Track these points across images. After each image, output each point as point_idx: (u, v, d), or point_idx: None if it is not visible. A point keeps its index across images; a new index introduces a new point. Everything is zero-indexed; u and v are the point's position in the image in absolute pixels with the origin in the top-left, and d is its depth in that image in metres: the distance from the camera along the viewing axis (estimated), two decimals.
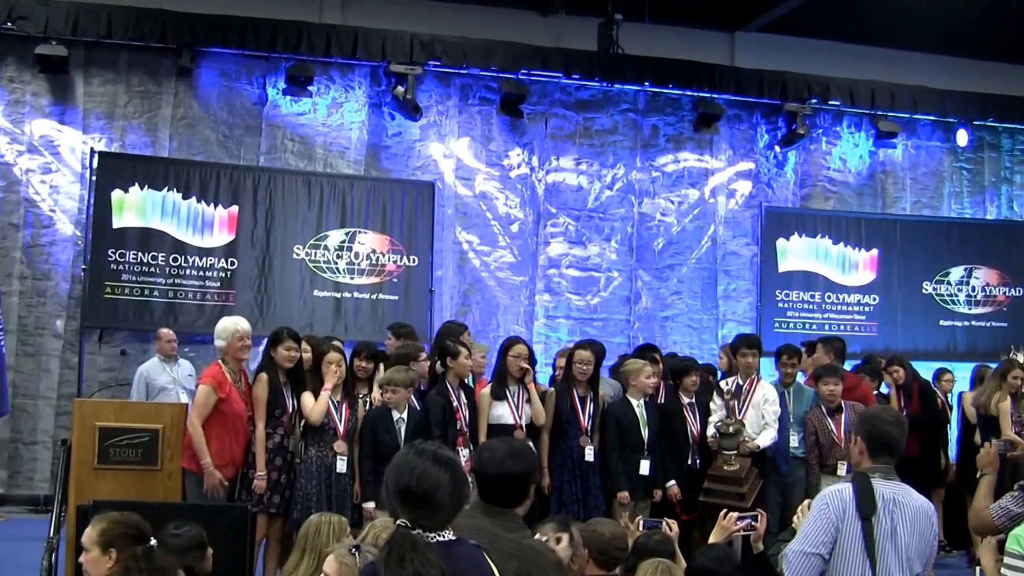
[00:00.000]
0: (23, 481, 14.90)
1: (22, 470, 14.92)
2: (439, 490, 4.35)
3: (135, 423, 9.98)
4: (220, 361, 10.19)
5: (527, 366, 11.08)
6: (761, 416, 11.63)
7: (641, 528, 7.55)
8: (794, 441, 11.90)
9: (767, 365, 14.73)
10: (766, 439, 11.54)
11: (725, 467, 11.29)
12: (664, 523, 7.60)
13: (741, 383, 11.71)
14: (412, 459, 4.42)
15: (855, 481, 5.85)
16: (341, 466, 10.27)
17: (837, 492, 5.81)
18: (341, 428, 10.30)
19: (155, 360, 13.48)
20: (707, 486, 11.26)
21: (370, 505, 10.01)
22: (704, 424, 11.76)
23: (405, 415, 10.37)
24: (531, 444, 10.86)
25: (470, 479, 10.71)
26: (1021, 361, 12.68)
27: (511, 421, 10.83)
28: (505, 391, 10.90)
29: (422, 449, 4.49)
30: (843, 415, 11.71)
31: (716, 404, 11.84)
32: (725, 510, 7.61)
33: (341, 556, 5.50)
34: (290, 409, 10.36)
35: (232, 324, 10.27)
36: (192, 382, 12.78)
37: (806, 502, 8.00)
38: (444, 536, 4.38)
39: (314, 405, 10.25)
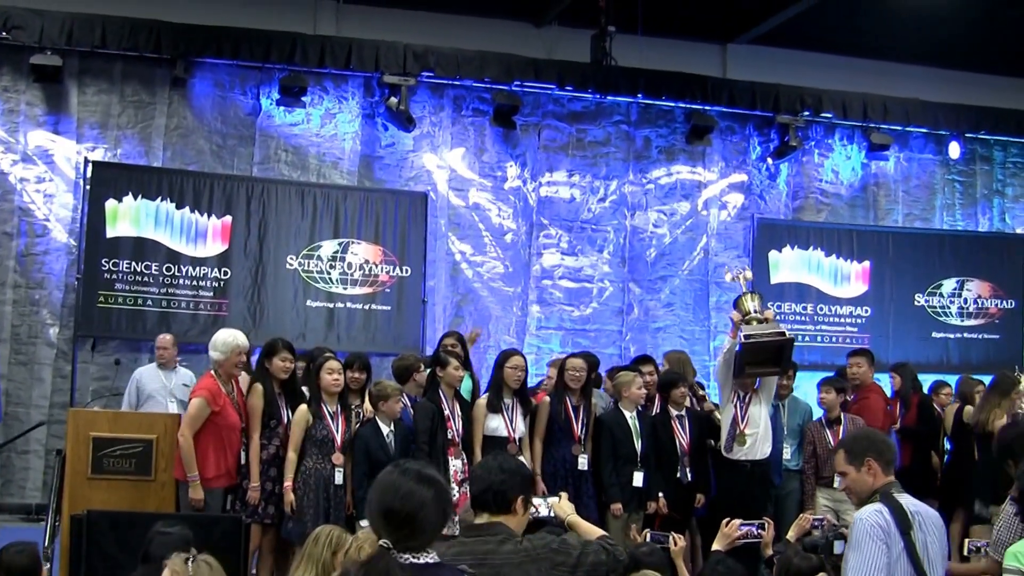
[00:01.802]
0: (15, 490, 14.87)
1: (14, 479, 14.89)
2: (422, 510, 4.33)
3: (129, 433, 10.03)
4: (213, 373, 10.20)
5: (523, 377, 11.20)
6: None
7: (648, 540, 7.59)
8: (787, 453, 11.93)
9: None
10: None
11: (755, 324, 11.20)
12: (671, 537, 7.63)
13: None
14: (396, 479, 4.40)
15: (885, 500, 5.89)
16: (338, 478, 10.30)
17: (876, 512, 5.84)
18: (338, 440, 10.33)
19: (152, 366, 13.45)
20: (746, 334, 11.13)
21: (365, 522, 10.04)
22: (694, 436, 11.78)
23: (393, 427, 10.42)
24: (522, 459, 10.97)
25: (458, 489, 10.81)
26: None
27: (505, 434, 10.89)
28: (500, 403, 10.95)
29: (406, 468, 4.48)
30: (842, 427, 11.74)
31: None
32: (727, 518, 7.63)
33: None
34: (284, 420, 10.39)
35: (232, 339, 10.25)
36: (186, 392, 12.76)
37: (803, 514, 8.04)
38: (423, 558, 4.35)
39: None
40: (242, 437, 10.22)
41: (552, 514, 6.12)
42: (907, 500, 5.90)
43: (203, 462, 9.84)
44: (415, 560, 4.32)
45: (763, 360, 11.22)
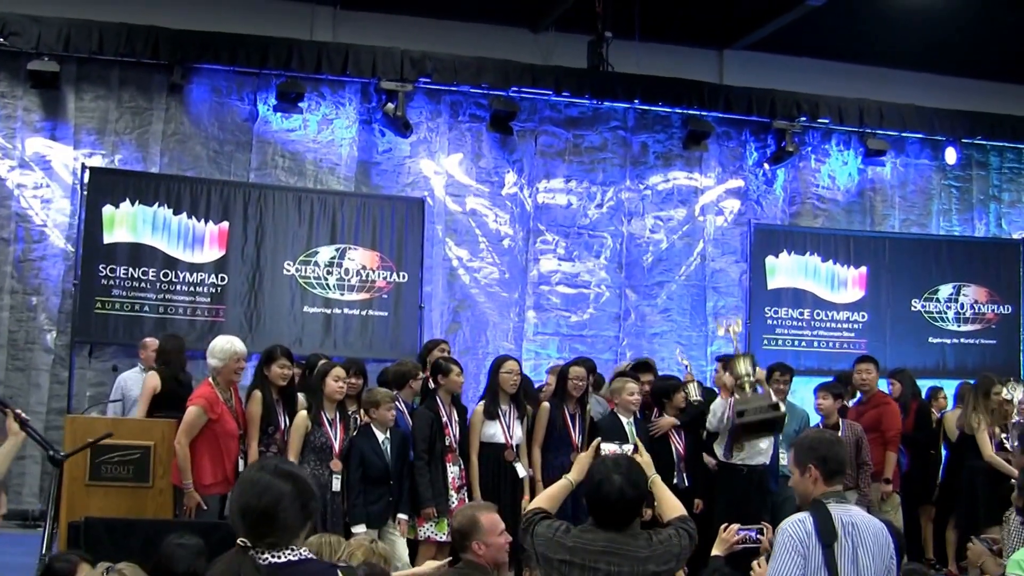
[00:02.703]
0: (12, 496, 14.79)
1: (11, 484, 14.81)
2: (280, 503, 4.18)
3: (127, 440, 10.01)
4: (211, 380, 10.21)
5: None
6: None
7: None
8: (783, 459, 11.92)
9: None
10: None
11: (748, 389, 11.26)
12: None
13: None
14: (254, 474, 4.29)
15: (812, 510, 5.86)
16: (336, 484, 10.31)
17: (798, 522, 5.81)
18: (337, 446, 10.34)
19: (135, 371, 13.28)
20: (739, 409, 11.18)
21: (360, 528, 10.04)
22: (690, 442, 11.81)
23: (388, 435, 10.43)
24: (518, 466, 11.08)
25: (456, 495, 10.83)
26: (1007, 390, 12.58)
27: (502, 440, 10.93)
28: (497, 410, 10.97)
29: (264, 464, 4.39)
30: (840, 433, 11.71)
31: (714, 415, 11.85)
32: (725, 524, 7.65)
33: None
34: (282, 426, 10.40)
35: (230, 346, 10.26)
36: None
37: None
38: (285, 556, 4.21)
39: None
40: (240, 444, 10.23)
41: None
42: (842, 511, 5.85)
43: (199, 469, 9.86)
44: (274, 559, 4.18)
45: (757, 429, 11.29)
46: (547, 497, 6.37)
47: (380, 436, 10.40)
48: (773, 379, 12.37)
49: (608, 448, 6.52)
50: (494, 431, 10.99)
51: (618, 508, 5.67)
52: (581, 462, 6.49)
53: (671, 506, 6.19)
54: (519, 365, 11.41)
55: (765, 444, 11.57)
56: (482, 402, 11.21)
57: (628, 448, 6.45)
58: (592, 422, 11.46)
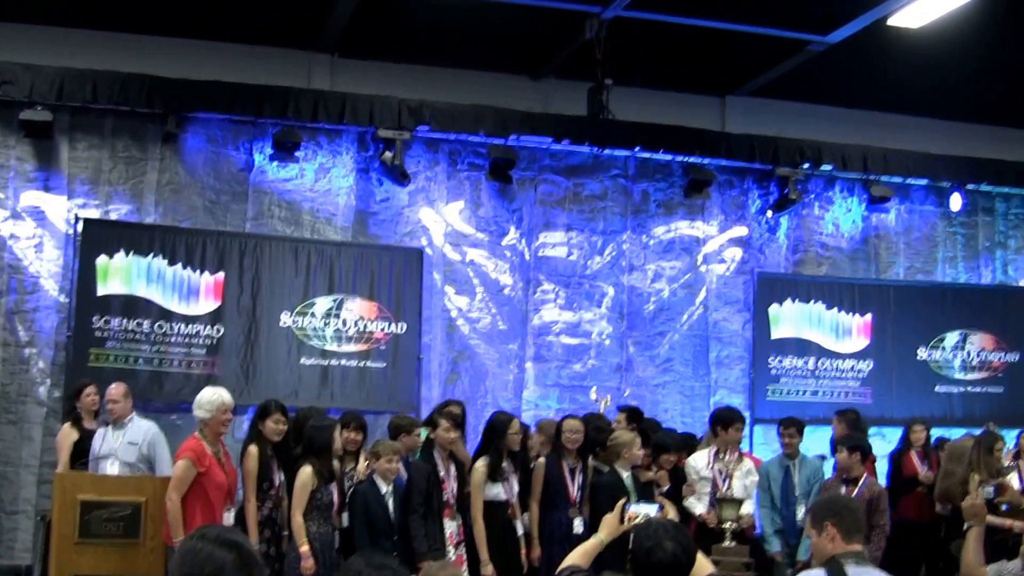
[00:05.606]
0: (4, 551, 14.68)
1: (3, 540, 14.71)
2: (222, 574, 3.87)
3: (117, 496, 9.91)
4: (198, 433, 10.09)
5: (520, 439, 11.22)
6: (744, 487, 11.68)
7: None
8: (800, 513, 11.83)
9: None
10: (748, 508, 11.59)
11: (727, 543, 11.24)
12: None
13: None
14: (195, 544, 3.97)
15: (829, 567, 5.71)
16: (338, 541, 10.34)
17: None
18: (335, 502, 10.33)
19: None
20: (714, 558, 11.12)
21: None
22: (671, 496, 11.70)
23: (391, 488, 10.36)
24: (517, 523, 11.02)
25: (454, 551, 10.69)
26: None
27: (505, 498, 10.96)
28: (501, 470, 10.91)
29: (204, 533, 4.06)
30: (858, 486, 11.54)
31: (695, 471, 11.86)
32: None
33: None
34: (277, 482, 10.32)
35: (218, 398, 10.18)
36: (131, 451, 11.54)
37: None
38: None
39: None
40: (226, 498, 10.11)
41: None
42: (861, 573, 5.72)
43: (191, 523, 9.72)
44: None
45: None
46: (581, 554, 6.32)
47: (383, 488, 10.32)
48: (782, 433, 12.38)
49: (634, 509, 6.51)
50: (497, 491, 10.94)
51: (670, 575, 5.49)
52: (609, 522, 6.53)
53: (701, 564, 6.03)
54: (520, 423, 11.40)
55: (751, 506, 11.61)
56: (483, 460, 11.08)
57: (653, 508, 6.37)
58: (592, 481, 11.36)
